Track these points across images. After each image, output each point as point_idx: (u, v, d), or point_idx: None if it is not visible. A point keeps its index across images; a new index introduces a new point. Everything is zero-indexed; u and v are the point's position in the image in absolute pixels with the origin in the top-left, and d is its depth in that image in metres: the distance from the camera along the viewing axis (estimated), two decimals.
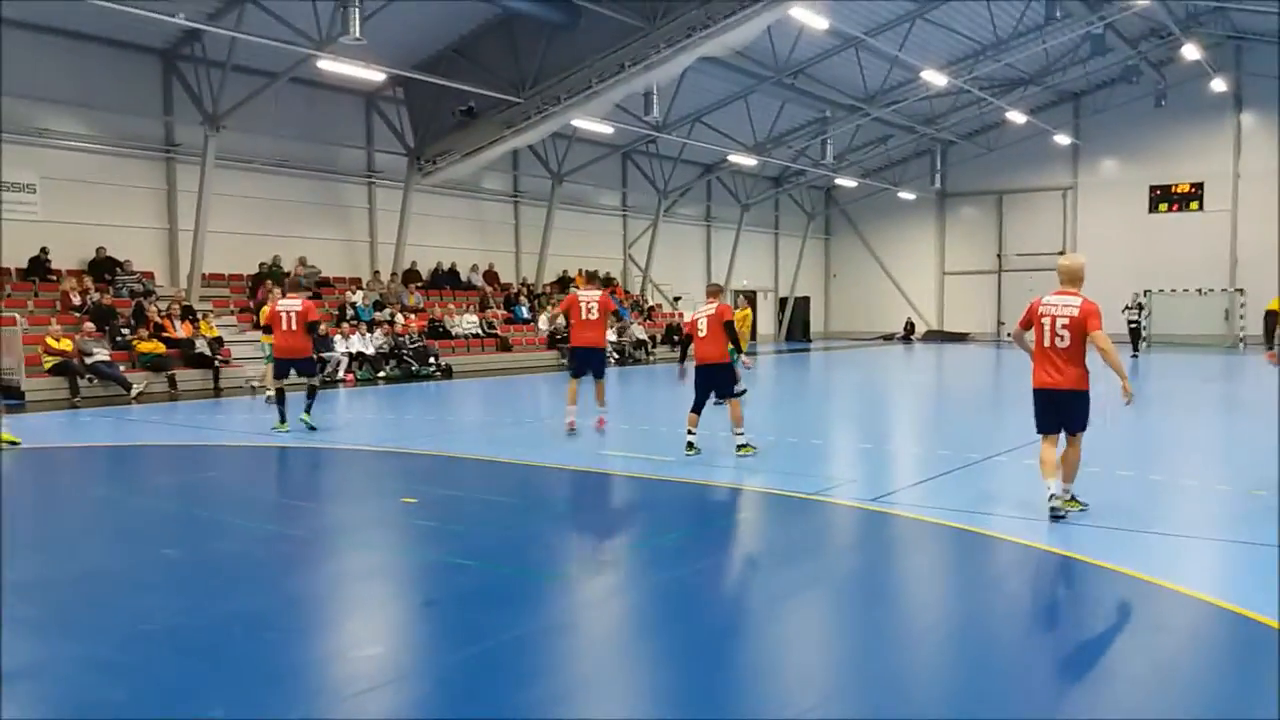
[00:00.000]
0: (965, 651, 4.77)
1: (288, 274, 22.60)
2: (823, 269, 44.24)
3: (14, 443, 10.72)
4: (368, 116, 25.13)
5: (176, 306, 18.99)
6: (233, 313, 21.21)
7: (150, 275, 20.52)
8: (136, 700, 4.07)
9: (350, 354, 20.38)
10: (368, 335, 21.11)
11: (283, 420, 11.97)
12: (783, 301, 41.95)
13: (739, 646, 4.77)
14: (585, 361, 11.50)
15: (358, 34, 17.03)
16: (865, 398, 18.21)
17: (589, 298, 11.53)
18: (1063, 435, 7.07)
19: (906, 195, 39.73)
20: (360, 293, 23.19)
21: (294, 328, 11.81)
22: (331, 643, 4.91)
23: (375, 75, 21.14)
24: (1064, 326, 6.79)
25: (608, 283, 31.87)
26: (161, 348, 17.83)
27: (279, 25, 17.67)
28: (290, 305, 11.89)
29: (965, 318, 40.73)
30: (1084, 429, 7.05)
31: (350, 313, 21.96)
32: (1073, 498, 7.09)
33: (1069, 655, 4.70)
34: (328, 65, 19.08)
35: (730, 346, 10.03)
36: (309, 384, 12.25)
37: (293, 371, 12.09)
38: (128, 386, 16.42)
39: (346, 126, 24.69)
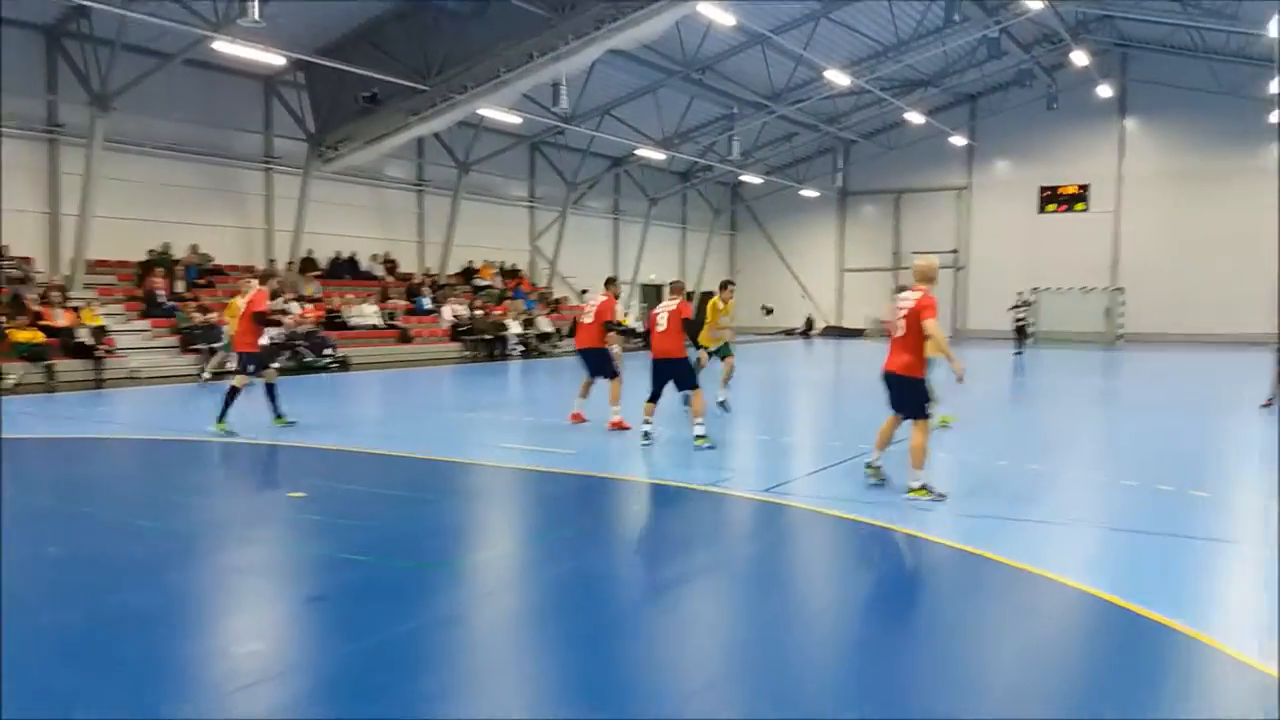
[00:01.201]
0: (838, 636, 4.92)
1: (177, 261, 21.85)
2: (728, 264, 44.78)
3: None
4: (267, 101, 24.40)
5: (56, 294, 18.16)
6: (119, 300, 20.38)
7: (29, 261, 19.56)
8: (11, 700, 3.91)
9: None
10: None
11: (276, 416, 11.47)
12: (689, 296, 42.27)
13: (626, 636, 4.83)
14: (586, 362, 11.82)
15: (257, 16, 16.50)
16: (765, 391, 18.52)
17: (590, 302, 11.93)
18: (908, 423, 7.62)
19: (809, 193, 40.46)
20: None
21: (243, 317, 11.25)
22: (214, 639, 4.81)
23: (275, 59, 20.52)
24: (903, 318, 7.55)
25: (514, 274, 31.69)
26: (40, 337, 17.04)
27: (173, 4, 17.00)
28: (247, 295, 11.33)
29: (862, 314, 41.72)
30: (919, 416, 7.55)
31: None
32: (923, 487, 7.48)
33: (940, 639, 4.89)
34: (224, 47, 18.43)
35: (688, 342, 10.42)
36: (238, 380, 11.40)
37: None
38: (1, 376, 15.65)
39: (244, 111, 23.93)
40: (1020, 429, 12.94)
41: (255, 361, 11.31)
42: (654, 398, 10.32)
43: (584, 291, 34.49)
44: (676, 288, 11.05)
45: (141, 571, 5.78)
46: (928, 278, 7.62)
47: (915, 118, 34.01)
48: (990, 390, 18.61)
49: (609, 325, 11.65)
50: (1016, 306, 29.38)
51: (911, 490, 7.50)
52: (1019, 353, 27.78)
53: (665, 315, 10.29)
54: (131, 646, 4.55)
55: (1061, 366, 24.35)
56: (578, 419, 11.81)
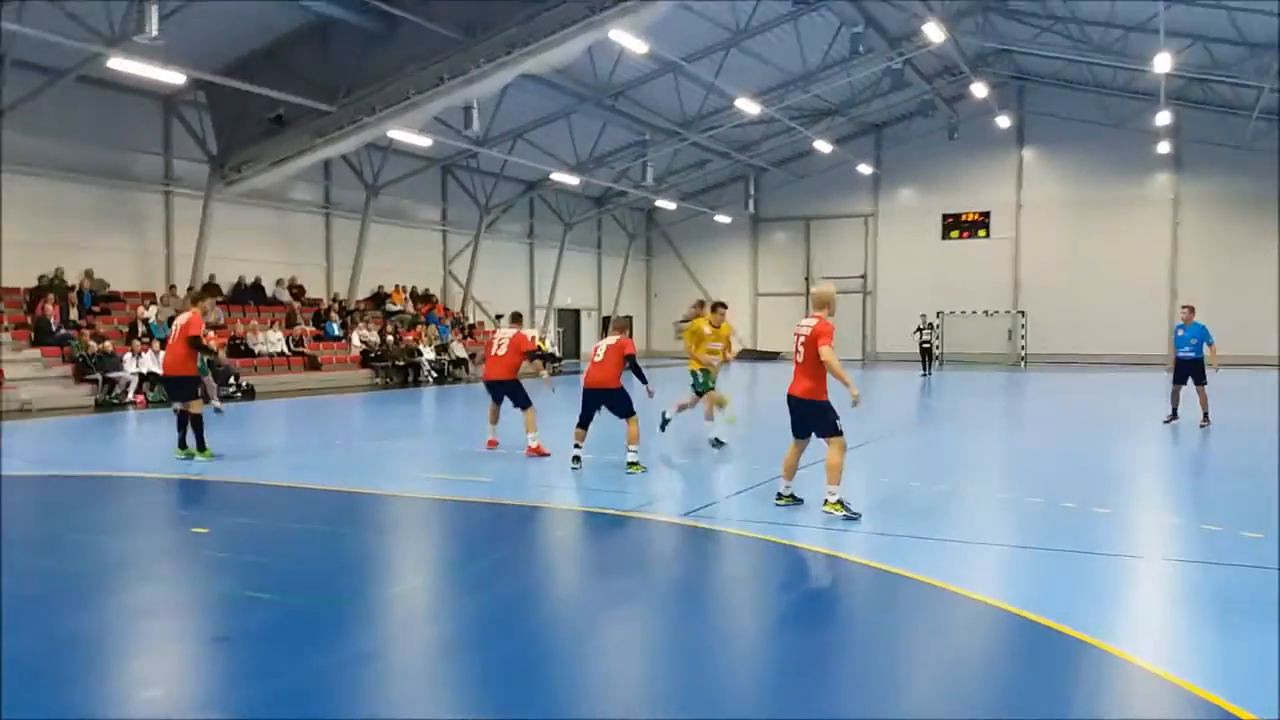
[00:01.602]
0: (761, 655, 4.90)
1: (71, 287, 20.93)
2: (645, 288, 44.97)
3: None
4: (166, 121, 23.62)
5: None
6: (7, 329, 19.40)
7: None
8: None
9: (141, 374, 19.04)
10: (160, 354, 19.74)
11: (180, 445, 11.03)
12: (605, 320, 42.30)
13: (549, 665, 4.72)
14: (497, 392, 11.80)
15: (154, 32, 15.96)
16: (685, 414, 18.52)
17: (502, 335, 11.90)
18: (823, 441, 7.77)
19: (723, 219, 40.97)
20: (154, 308, 21.72)
21: (175, 341, 10.86)
22: (110, 686, 4.53)
23: (174, 77, 19.84)
24: (801, 344, 7.77)
25: (427, 298, 31.23)
26: None
27: (66, 20, 16.35)
28: (181, 318, 10.95)
29: (776, 337, 42.26)
30: (830, 434, 7.69)
31: (142, 329, 20.53)
32: (839, 502, 7.64)
33: (858, 656, 4.90)
34: (120, 65, 17.78)
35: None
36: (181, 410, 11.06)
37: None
38: None
39: (142, 131, 23.12)
40: (928, 449, 13.22)
41: (193, 387, 11.04)
42: (583, 424, 10.38)
43: (498, 317, 34.25)
44: (619, 325, 11.08)
45: (32, 615, 5.41)
46: (824, 304, 7.92)
47: (823, 146, 34.78)
48: (898, 412, 19.01)
49: (532, 355, 11.89)
50: (920, 330, 30.16)
51: (827, 504, 7.63)
52: (925, 375, 28.47)
53: (604, 348, 10.39)
54: (21, 696, 4.24)
55: (967, 388, 25.03)
56: (493, 445, 11.68)
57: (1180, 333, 14.65)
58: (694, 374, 12.17)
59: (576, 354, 39.70)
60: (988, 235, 38.27)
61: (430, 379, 25.98)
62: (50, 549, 7.11)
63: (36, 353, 19.07)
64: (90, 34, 16.67)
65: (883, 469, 10.10)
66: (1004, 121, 35.71)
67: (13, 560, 6.75)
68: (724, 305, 12.70)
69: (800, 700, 4.28)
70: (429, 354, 26.71)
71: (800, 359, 7.78)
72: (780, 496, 8.13)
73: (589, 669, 4.77)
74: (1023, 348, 36.39)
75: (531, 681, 4.51)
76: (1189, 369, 14.45)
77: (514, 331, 11.92)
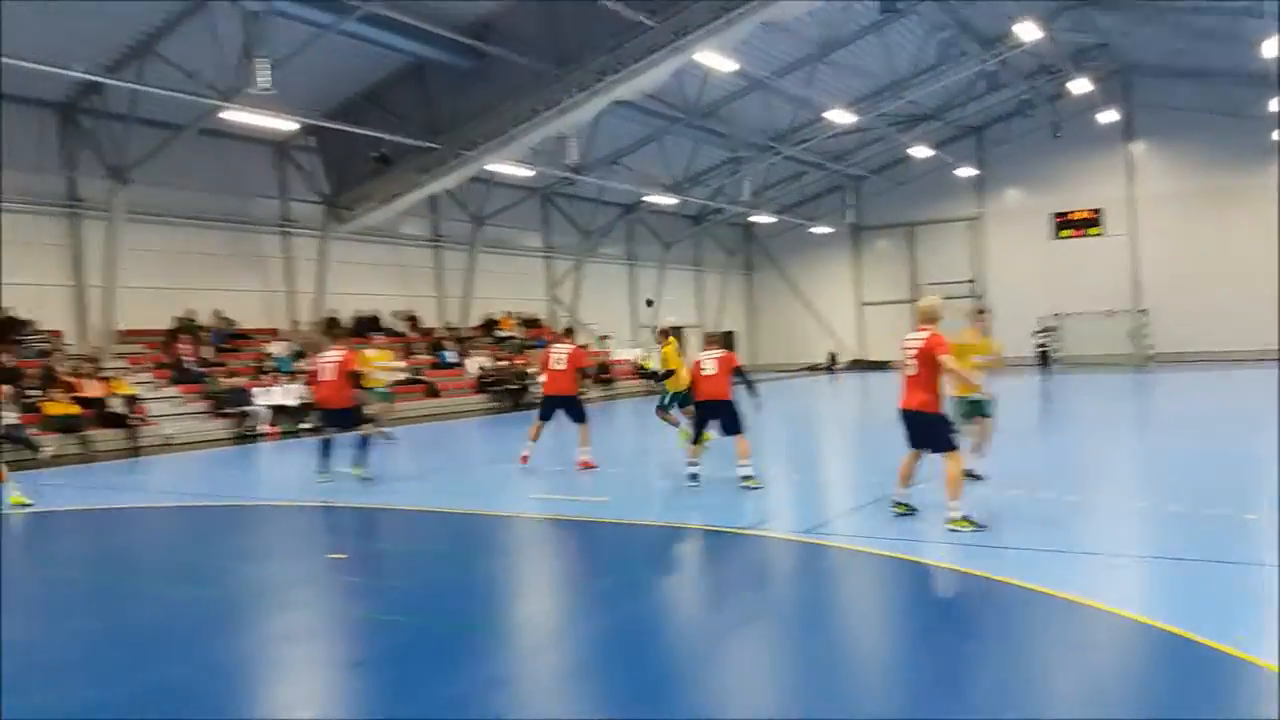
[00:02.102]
0: (899, 678, 4.84)
1: (203, 326, 22.08)
2: (745, 303, 44.85)
3: (25, 504, 10.65)
4: (280, 165, 24.79)
5: (86, 365, 18.35)
6: (149, 369, 20.57)
7: (58, 334, 19.81)
8: None
9: (271, 407, 19.92)
10: (288, 386, 20.65)
11: (322, 470, 11.65)
12: (707, 337, 42.28)
13: (678, 687, 4.76)
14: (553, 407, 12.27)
15: (265, 84, 16.82)
16: (793, 428, 18.42)
17: (560, 350, 12.40)
18: (938, 456, 7.70)
19: (822, 230, 40.59)
20: (279, 344, 22.73)
21: (331, 378, 11.58)
22: (258, 710, 4.76)
23: (286, 124, 20.89)
24: (912, 357, 7.74)
25: (534, 324, 31.82)
26: (74, 408, 17.20)
27: (184, 77, 17.36)
28: (332, 356, 11.69)
29: (885, 346, 41.57)
30: (945, 449, 7.62)
31: (270, 364, 21.49)
32: (965, 518, 7.48)
33: (1004, 678, 4.80)
34: (235, 116, 18.78)
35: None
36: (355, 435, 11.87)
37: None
38: (35, 448, 15.76)
39: (259, 176, 24.30)
40: (1056, 457, 12.79)
41: (357, 415, 11.92)
42: (697, 439, 10.50)
43: (605, 338, 34.64)
44: (716, 339, 11.28)
45: (182, 643, 5.74)
46: (932, 318, 7.86)
47: (921, 152, 34.16)
48: (1022, 419, 18.47)
49: (583, 372, 12.60)
50: (1039, 332, 29.23)
51: (952, 522, 7.47)
52: (1042, 379, 27.63)
53: (712, 361, 10.46)
54: None
55: (1091, 391, 24.15)
56: (525, 461, 12.07)
57: None
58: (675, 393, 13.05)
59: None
60: (1101, 233, 36.93)
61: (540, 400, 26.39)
62: (194, 577, 7.51)
63: (175, 390, 20.16)
64: (207, 89, 17.65)
65: (1010, 480, 9.81)
66: (1109, 116, 34.42)
67: (158, 589, 7.16)
68: (677, 329, 13.89)
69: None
70: (540, 377, 27.16)
71: (912, 372, 7.72)
72: (897, 504, 8.07)
73: (721, 692, 4.80)
74: (1149, 347, 34.88)
75: (662, 704, 4.56)
76: None
77: (571, 347, 12.33)
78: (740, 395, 10.53)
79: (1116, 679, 4.70)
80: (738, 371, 10.46)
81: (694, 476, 10.29)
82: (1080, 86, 30.14)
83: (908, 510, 8.00)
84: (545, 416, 12.32)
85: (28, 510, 10.61)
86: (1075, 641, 5.22)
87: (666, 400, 13.29)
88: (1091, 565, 6.63)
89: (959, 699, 4.48)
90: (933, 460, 7.85)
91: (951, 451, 7.60)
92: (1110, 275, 36.26)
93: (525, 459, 12.05)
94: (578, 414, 12.04)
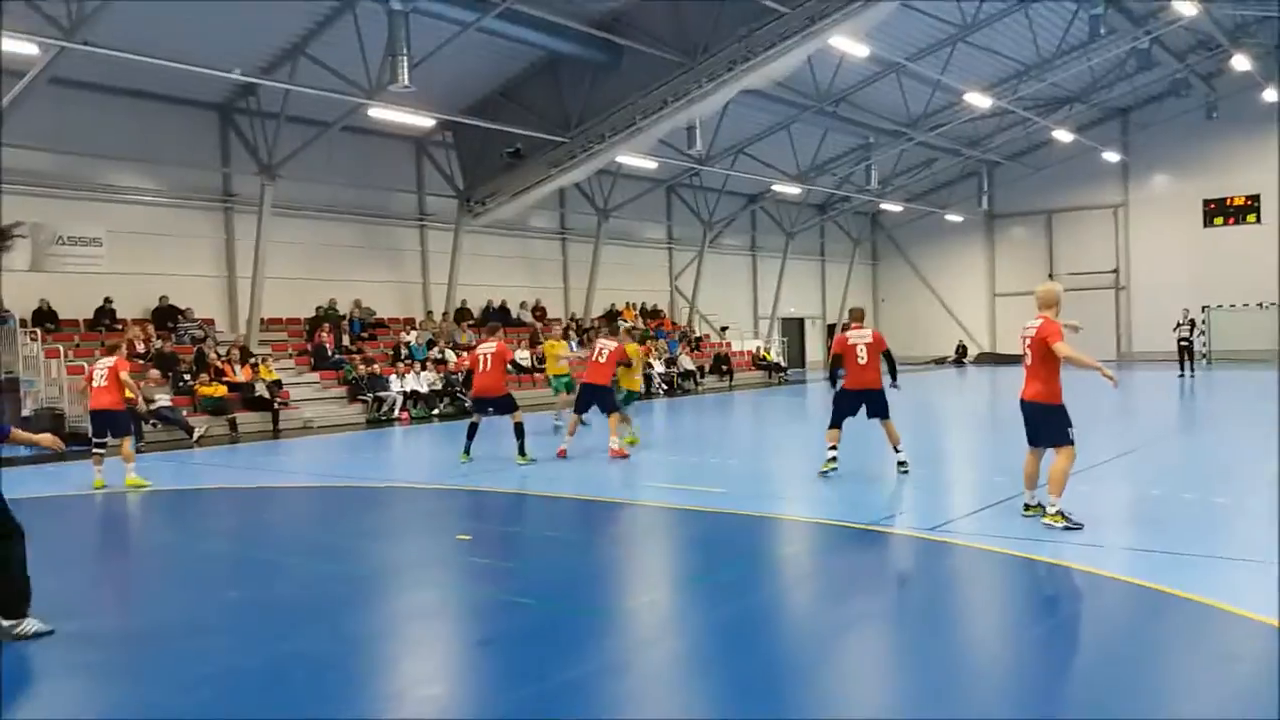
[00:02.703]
0: (1030, 683, 4.72)
1: (342, 316, 23.09)
2: (870, 294, 43.97)
3: (142, 486, 11.30)
4: (418, 161, 25.66)
5: (235, 351, 19.48)
6: (291, 355, 21.68)
7: (210, 321, 21.10)
8: None
9: (405, 393, 20.70)
10: (421, 374, 21.44)
11: (466, 451, 12.41)
12: (830, 328, 41.72)
13: (798, 683, 4.77)
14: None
15: (406, 81, 17.45)
16: (919, 423, 18.01)
17: (603, 344, 12.81)
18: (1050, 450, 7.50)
19: (954, 218, 39.42)
20: (414, 332, 23.60)
21: (488, 368, 12.30)
22: (391, 683, 5.00)
23: (424, 121, 21.62)
24: (1028, 346, 7.57)
25: (655, 314, 32.02)
26: (223, 391, 18.29)
27: (330, 76, 18.21)
28: (487, 348, 12.47)
29: (1018, 340, 40.10)
30: (1058, 443, 7.40)
31: (405, 352, 22.33)
32: (1060, 513, 7.32)
33: (1142, 686, 4.64)
34: (378, 113, 19.58)
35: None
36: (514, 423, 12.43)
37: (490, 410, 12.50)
38: (190, 430, 16.85)
39: (397, 171, 25.23)
40: (1199, 458, 12.15)
41: (513, 402, 12.51)
42: (836, 423, 10.35)
43: (725, 329, 34.57)
44: (858, 314, 10.86)
45: (317, 616, 6.05)
46: (1049, 304, 7.60)
47: (1063, 136, 32.76)
48: (1160, 416, 17.58)
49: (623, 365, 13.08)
50: (1181, 325, 27.70)
51: (1047, 516, 7.37)
52: (1181, 375, 26.15)
53: (864, 347, 10.19)
54: (311, 691, 4.74)
55: (1236, 388, 22.75)
56: (563, 454, 12.41)
57: None
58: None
59: (802, 363, 39.40)
60: (1258, 220, 34.64)
61: (660, 391, 26.60)
62: (331, 554, 7.91)
63: (315, 376, 21.18)
64: (352, 87, 18.44)
65: (1152, 480, 9.39)
66: (1272, 95, 32.16)
67: (298, 564, 7.57)
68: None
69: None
70: (659, 367, 27.36)
71: (1029, 361, 7.57)
72: (1027, 508, 7.85)
73: (834, 689, 4.79)
74: None
75: (778, 701, 4.58)
76: None
77: (615, 344, 12.79)
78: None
79: (1260, 691, 4.47)
80: (887, 354, 10.28)
81: (833, 460, 10.22)
82: (1239, 64, 28.31)
83: (1040, 511, 7.72)
84: (581, 409, 12.74)
85: (146, 490, 11.19)
86: (1219, 651, 4.98)
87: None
88: (1241, 571, 6.29)
89: (1085, 701, 4.35)
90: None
91: (1066, 446, 7.37)
92: (1267, 265, 33.98)
93: (563, 452, 12.44)
94: (608, 405, 12.43)
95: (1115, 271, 37.71)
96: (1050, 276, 39.15)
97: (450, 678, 5.13)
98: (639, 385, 15.57)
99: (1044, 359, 7.40)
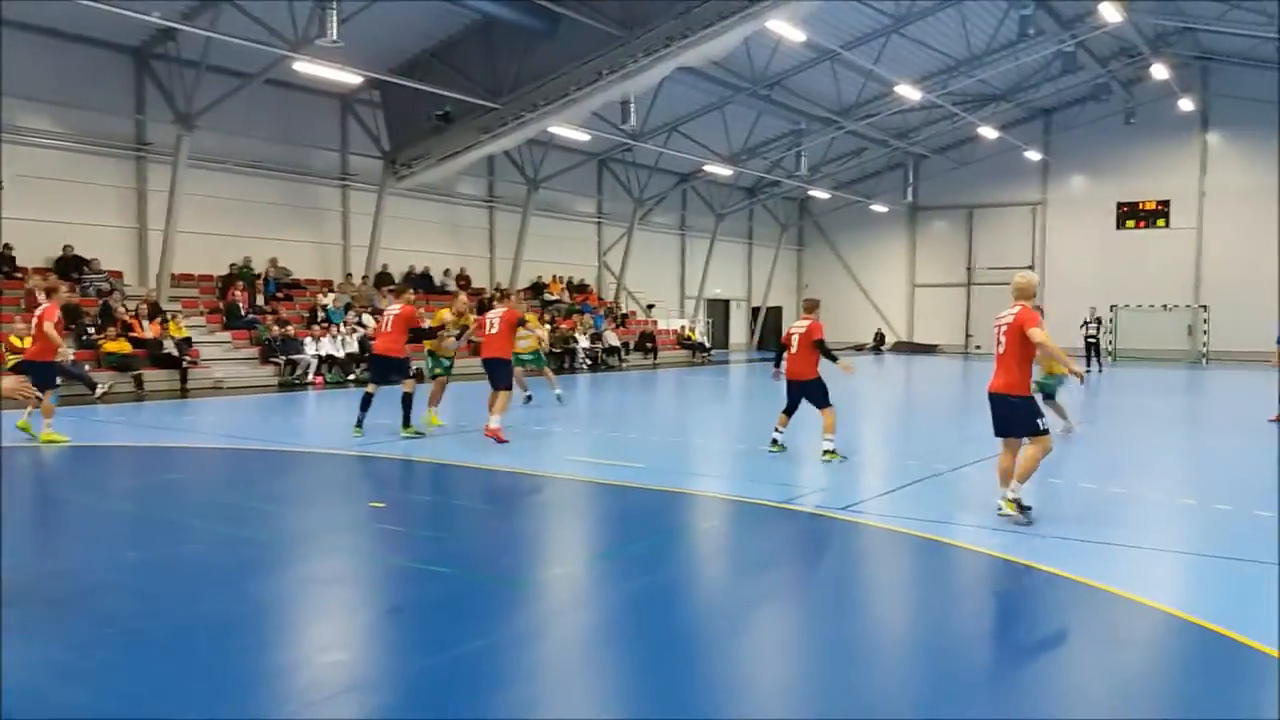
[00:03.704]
0: (928, 663, 4.82)
1: (258, 275, 22.45)
2: (795, 279, 44.51)
3: (58, 441, 10.93)
4: (343, 119, 25.00)
5: (145, 306, 18.79)
6: (202, 313, 21.01)
7: (119, 274, 20.30)
8: (97, 704, 4.03)
9: (320, 356, 20.25)
10: (338, 338, 20.98)
11: (359, 425, 11.79)
12: (755, 311, 42.15)
13: (705, 657, 4.80)
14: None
15: (334, 36, 16.96)
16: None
17: (494, 315, 11.86)
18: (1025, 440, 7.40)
19: (879, 208, 40.07)
20: (332, 295, 23.06)
21: (389, 328, 11.85)
22: (296, 648, 4.89)
23: (351, 78, 21.02)
24: (1003, 333, 7.37)
25: (582, 289, 31.90)
26: (128, 347, 17.64)
27: (255, 26, 17.56)
28: (392, 309, 11.96)
29: (934, 329, 41.10)
30: (1032, 433, 7.31)
31: (321, 315, 21.82)
32: (1017, 501, 7.24)
33: (1031, 668, 4.77)
34: (303, 67, 18.97)
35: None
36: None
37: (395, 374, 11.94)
38: (93, 386, 16.23)
39: (321, 129, 24.55)
40: (1101, 450, 12.59)
41: (406, 367, 12.02)
42: (788, 411, 10.60)
43: (651, 306, 34.62)
44: (808, 305, 10.95)
45: (224, 579, 5.90)
46: (1027, 294, 7.41)
47: (988, 133, 33.51)
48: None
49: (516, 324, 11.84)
50: (1087, 323, 28.65)
51: (1006, 501, 7.27)
52: (1088, 370, 27.10)
53: (797, 338, 10.36)
54: (213, 654, 4.63)
55: (1140, 385, 23.65)
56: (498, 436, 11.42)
57: None
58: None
59: (725, 344, 39.73)
60: (1167, 225, 35.99)
61: (584, 366, 26.55)
62: (239, 518, 7.70)
63: (227, 335, 20.57)
64: (277, 38, 17.83)
65: (1052, 469, 9.68)
66: (1186, 104, 33.38)
67: (205, 526, 7.36)
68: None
69: (970, 709, 4.21)
70: (584, 342, 27.29)
71: (1001, 350, 7.36)
72: (1005, 502, 7.47)
73: (746, 662, 4.83)
74: (1205, 344, 34.04)
75: (685, 673, 4.60)
76: None
77: (505, 309, 11.85)
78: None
79: (1150, 673, 4.64)
80: (818, 344, 10.34)
81: (775, 442, 10.51)
82: (1158, 72, 29.27)
83: (1023, 518, 7.40)
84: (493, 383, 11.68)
85: (62, 446, 10.84)
86: (1108, 634, 5.15)
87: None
88: (1134, 558, 6.53)
89: (972, 679, 4.46)
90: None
91: (1040, 436, 7.26)
92: (1172, 269, 35.40)
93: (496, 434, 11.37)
94: (501, 379, 11.46)
95: (1030, 267, 38.71)
96: (968, 270, 40.21)
97: (357, 644, 5.03)
98: (536, 344, 15.48)
99: (1019, 347, 7.24)
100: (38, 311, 11.13)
